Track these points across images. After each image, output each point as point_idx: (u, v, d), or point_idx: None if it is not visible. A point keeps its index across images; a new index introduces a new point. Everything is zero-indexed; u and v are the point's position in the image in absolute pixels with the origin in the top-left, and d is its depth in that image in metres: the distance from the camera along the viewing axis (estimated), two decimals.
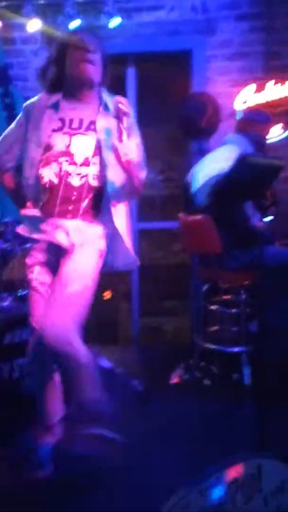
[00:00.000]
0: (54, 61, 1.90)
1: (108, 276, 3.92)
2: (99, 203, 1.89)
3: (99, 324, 4.10)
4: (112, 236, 1.91)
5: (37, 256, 1.87)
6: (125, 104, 1.84)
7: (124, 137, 1.79)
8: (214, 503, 1.43)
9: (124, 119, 1.80)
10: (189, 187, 2.89)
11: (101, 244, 1.88)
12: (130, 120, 1.85)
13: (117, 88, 1.99)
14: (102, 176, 1.86)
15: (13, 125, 1.99)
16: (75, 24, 3.42)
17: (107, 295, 4.56)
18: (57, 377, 1.89)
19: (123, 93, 3.59)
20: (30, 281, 1.85)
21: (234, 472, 1.45)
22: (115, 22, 3.43)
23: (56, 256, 1.85)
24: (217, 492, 1.49)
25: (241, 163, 2.61)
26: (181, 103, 3.24)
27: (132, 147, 1.83)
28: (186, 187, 2.93)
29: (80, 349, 1.76)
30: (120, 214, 1.93)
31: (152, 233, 4.10)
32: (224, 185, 2.63)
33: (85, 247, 1.83)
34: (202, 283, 3.02)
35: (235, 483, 1.41)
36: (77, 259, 1.80)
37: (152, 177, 4.50)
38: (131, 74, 3.63)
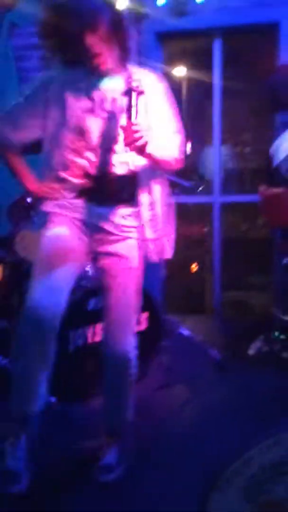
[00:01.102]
0: None
1: (196, 249, 4.01)
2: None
3: (185, 294, 4.24)
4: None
5: None
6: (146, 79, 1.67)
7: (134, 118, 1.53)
8: (275, 460, 1.51)
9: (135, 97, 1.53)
10: (272, 160, 2.87)
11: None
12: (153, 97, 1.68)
13: (203, 61, 1.99)
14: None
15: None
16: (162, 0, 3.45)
17: (195, 267, 4.67)
18: None
19: (209, 67, 3.61)
20: None
21: None
22: None
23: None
24: (278, 451, 1.57)
25: None
26: (267, 76, 3.17)
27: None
28: (269, 159, 2.91)
29: None
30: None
31: (237, 206, 4.09)
32: None
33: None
34: (284, 256, 3.01)
35: None
36: None
37: (239, 150, 4.46)
38: (217, 47, 3.61)
